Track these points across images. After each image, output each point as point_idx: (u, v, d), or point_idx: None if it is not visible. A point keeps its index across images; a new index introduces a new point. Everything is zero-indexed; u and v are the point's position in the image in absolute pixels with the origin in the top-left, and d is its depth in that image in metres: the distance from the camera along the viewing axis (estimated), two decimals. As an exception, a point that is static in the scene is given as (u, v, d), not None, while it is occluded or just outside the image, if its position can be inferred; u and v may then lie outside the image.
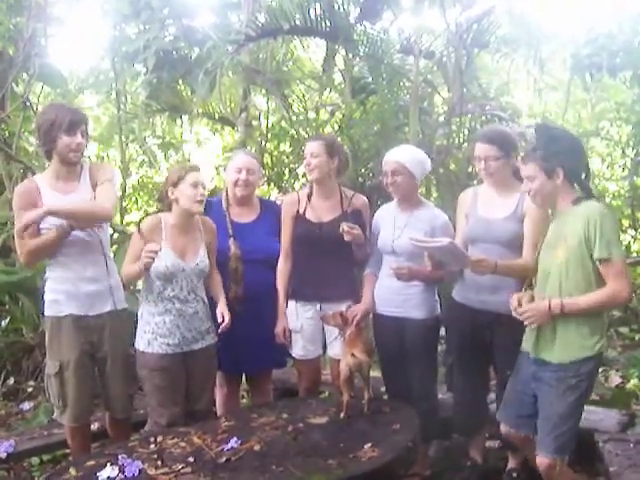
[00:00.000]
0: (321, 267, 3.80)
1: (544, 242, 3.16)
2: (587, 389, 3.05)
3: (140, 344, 3.55)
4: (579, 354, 2.97)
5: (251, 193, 4.06)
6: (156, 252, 3.36)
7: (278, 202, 4.38)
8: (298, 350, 3.96)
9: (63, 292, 3.54)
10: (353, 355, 3.36)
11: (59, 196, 3.50)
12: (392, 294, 3.71)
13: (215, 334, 3.66)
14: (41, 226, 3.42)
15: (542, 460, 3.02)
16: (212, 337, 3.67)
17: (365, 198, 4.04)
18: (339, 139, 5.04)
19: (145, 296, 3.58)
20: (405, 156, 3.66)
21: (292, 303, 3.94)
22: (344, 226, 3.62)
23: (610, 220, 2.96)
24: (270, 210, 4.09)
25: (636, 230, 8.07)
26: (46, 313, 3.61)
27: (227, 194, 4.07)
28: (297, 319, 3.92)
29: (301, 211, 3.90)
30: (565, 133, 3.22)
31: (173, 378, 3.51)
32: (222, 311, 3.60)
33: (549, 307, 2.94)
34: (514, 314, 3.05)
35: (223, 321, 3.57)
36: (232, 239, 3.91)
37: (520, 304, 3.04)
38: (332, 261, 3.77)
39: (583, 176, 3.07)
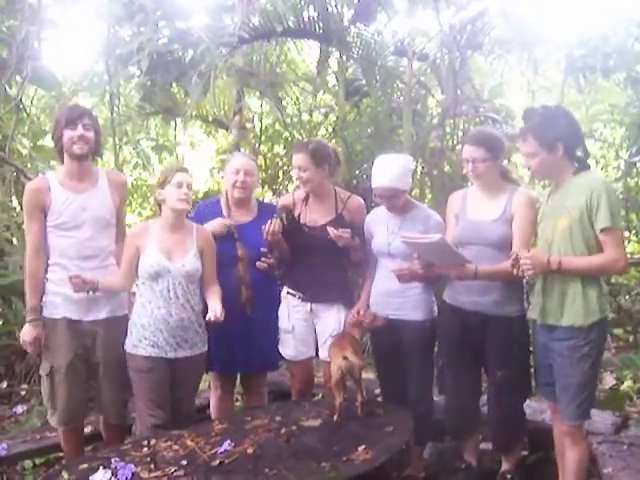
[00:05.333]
0: (314, 269, 3.80)
1: (543, 213, 3.26)
2: (598, 355, 3.14)
3: (128, 345, 3.53)
4: (588, 318, 3.05)
5: (249, 195, 4.03)
6: None
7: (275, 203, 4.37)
8: (289, 351, 3.96)
9: (60, 294, 3.54)
10: (345, 358, 3.34)
11: (70, 194, 3.54)
12: (390, 297, 3.70)
13: (205, 344, 3.64)
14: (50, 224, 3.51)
15: (564, 428, 3.21)
16: (200, 347, 3.61)
17: (361, 200, 4.02)
18: (329, 140, 5.01)
19: (137, 298, 3.58)
20: (395, 178, 3.55)
21: (284, 303, 3.95)
22: (331, 233, 3.62)
23: (613, 192, 3.07)
24: (267, 212, 4.03)
25: (630, 232, 8.07)
26: (43, 314, 3.59)
27: (227, 197, 4.01)
28: (288, 320, 3.92)
29: (296, 214, 3.90)
30: (558, 109, 3.26)
31: (158, 380, 3.47)
32: (215, 307, 3.45)
33: (548, 261, 3.01)
34: (512, 266, 3.07)
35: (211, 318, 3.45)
36: (238, 243, 3.87)
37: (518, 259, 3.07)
38: (325, 263, 3.77)
39: (579, 149, 3.17)
